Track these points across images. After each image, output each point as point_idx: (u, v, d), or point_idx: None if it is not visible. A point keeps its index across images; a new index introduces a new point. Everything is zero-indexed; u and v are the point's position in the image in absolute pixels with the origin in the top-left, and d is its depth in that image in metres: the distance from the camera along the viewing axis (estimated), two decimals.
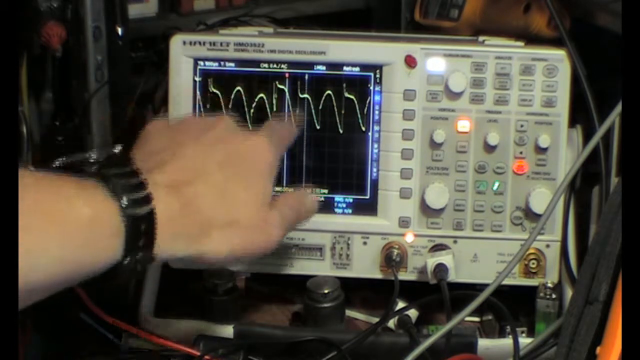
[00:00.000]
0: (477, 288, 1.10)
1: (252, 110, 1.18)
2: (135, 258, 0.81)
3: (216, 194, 0.89)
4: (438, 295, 1.11)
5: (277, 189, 1.18)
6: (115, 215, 0.79)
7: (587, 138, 1.11)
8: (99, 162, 0.84)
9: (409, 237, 1.17)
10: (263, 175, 0.94)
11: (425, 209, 1.16)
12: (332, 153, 1.17)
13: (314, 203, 1.05)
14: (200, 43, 1.17)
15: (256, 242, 0.92)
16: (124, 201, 0.80)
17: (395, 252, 1.16)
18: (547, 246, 1.16)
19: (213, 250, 0.89)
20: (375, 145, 1.17)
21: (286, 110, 1.17)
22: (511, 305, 1.10)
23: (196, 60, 1.17)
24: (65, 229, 0.77)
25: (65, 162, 0.85)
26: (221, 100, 1.18)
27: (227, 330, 1.10)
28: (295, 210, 0.99)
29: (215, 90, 1.17)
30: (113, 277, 0.81)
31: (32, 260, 0.74)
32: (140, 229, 0.81)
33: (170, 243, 0.84)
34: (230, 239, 0.90)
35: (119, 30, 1.32)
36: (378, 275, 1.18)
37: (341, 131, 1.17)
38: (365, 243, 1.18)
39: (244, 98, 1.17)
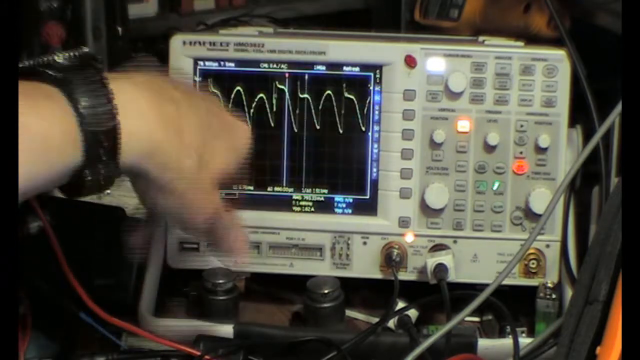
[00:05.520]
0: (477, 288, 1.10)
1: (252, 110, 1.18)
2: (97, 171, 0.75)
3: (199, 123, 0.83)
4: (438, 295, 1.11)
5: (277, 188, 1.18)
6: (72, 131, 0.73)
7: (587, 138, 1.11)
8: (65, 65, 0.76)
9: (409, 237, 1.17)
10: (238, 148, 0.90)
11: (425, 209, 1.16)
12: (332, 153, 1.17)
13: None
14: (200, 43, 1.17)
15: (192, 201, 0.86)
16: (84, 115, 0.73)
17: (395, 252, 1.16)
18: (547, 246, 1.16)
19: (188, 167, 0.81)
20: (375, 145, 1.17)
21: (286, 110, 1.17)
22: (511, 305, 1.10)
23: (196, 60, 1.17)
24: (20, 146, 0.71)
25: (28, 66, 0.77)
26: (221, 100, 1.17)
27: (227, 330, 1.10)
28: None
29: (215, 91, 1.17)
30: (77, 189, 0.77)
31: None
32: (101, 143, 0.74)
33: (138, 156, 0.77)
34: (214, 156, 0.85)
35: (119, 30, 1.32)
36: (378, 275, 1.18)
37: (341, 131, 1.17)
38: (365, 243, 1.18)
39: (244, 98, 1.17)
